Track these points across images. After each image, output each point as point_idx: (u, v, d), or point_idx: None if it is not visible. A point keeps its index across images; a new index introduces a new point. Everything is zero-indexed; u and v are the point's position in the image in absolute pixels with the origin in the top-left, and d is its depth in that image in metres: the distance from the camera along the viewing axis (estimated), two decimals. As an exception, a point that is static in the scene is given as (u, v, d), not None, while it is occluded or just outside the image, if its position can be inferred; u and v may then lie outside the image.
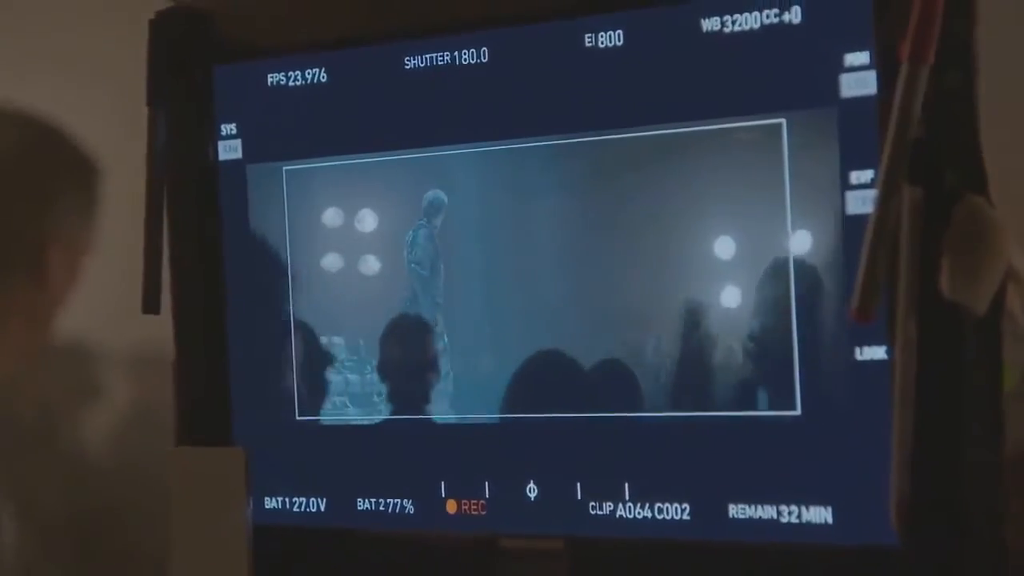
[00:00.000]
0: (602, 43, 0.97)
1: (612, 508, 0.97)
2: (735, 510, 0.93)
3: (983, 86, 0.85)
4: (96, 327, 2.31)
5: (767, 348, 0.92)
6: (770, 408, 0.92)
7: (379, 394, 1.06)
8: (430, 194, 1.02)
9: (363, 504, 1.06)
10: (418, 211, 1.03)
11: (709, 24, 0.93)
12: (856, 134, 0.89)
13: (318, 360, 1.07)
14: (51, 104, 1.81)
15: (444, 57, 1.02)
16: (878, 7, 0.88)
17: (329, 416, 1.07)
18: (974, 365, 0.84)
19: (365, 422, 1.06)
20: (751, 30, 0.92)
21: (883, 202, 0.80)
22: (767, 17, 0.92)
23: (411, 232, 1.03)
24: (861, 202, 0.89)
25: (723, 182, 0.93)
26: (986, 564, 0.85)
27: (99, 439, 2.45)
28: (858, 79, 0.89)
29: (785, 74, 0.91)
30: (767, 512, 0.92)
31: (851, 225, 0.88)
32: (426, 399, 1.04)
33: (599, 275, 0.97)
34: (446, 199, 1.01)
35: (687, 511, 0.95)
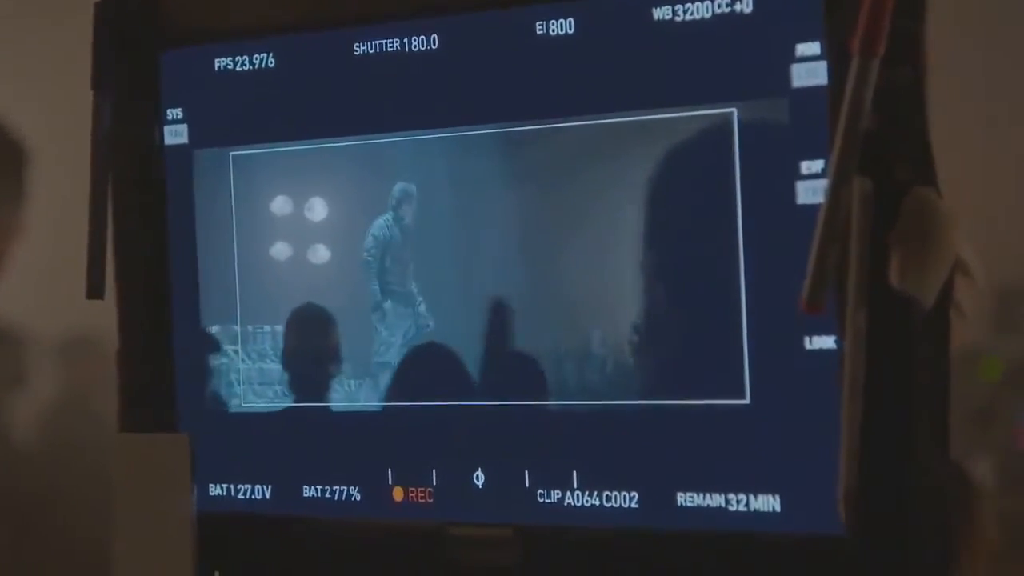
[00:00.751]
0: (553, 31, 0.96)
1: (560, 496, 0.97)
2: (683, 498, 0.94)
3: (932, 80, 0.86)
4: (25, 313, 2.30)
5: (716, 337, 0.92)
6: (719, 397, 0.92)
7: (325, 381, 1.05)
8: (398, 187, 1.01)
9: (309, 491, 1.05)
10: (370, 197, 1.02)
11: (660, 13, 0.94)
12: (807, 124, 0.89)
13: (263, 348, 1.07)
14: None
15: (394, 43, 1.01)
16: (829, -2, 0.88)
17: (274, 403, 1.06)
18: (923, 356, 0.85)
19: (310, 409, 1.05)
20: (702, 19, 0.92)
21: (834, 193, 0.80)
22: (718, 6, 0.92)
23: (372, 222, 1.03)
24: (811, 192, 0.89)
25: (673, 171, 0.93)
26: (931, 553, 0.86)
27: (28, 424, 2.43)
28: (809, 69, 0.89)
29: (736, 63, 0.91)
30: (715, 500, 0.93)
31: (801, 215, 0.89)
32: (373, 386, 1.03)
33: (549, 263, 0.97)
34: (415, 191, 1.01)
35: (636, 499, 0.95)
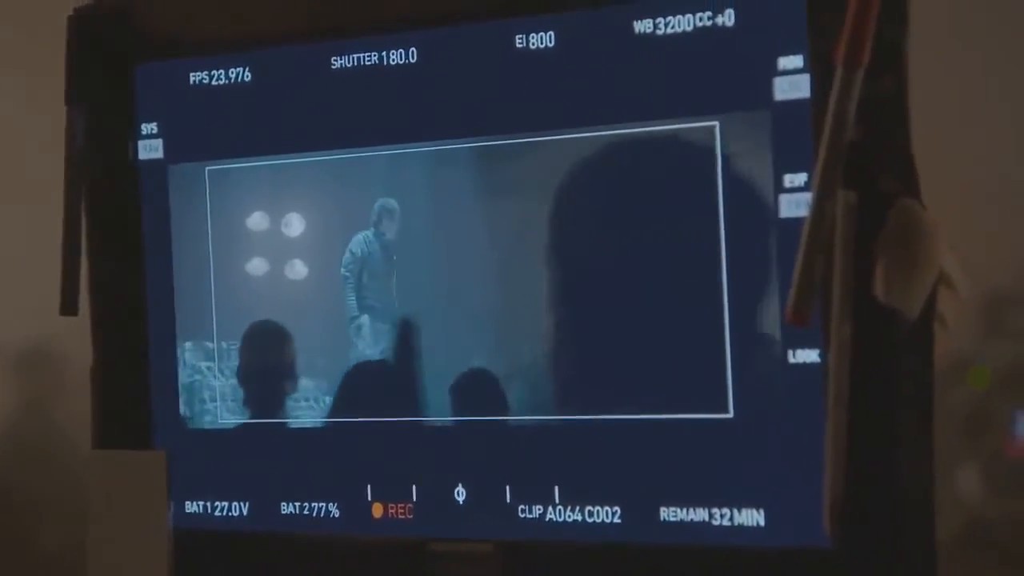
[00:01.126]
0: (533, 44, 0.96)
1: (542, 511, 0.97)
2: (667, 513, 0.93)
3: (912, 88, 0.86)
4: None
5: (700, 351, 0.92)
6: (703, 411, 0.92)
7: (300, 397, 1.04)
8: (379, 203, 1.01)
9: (287, 508, 1.04)
10: (348, 212, 1.02)
11: (642, 26, 0.93)
12: (789, 137, 0.89)
13: (239, 364, 1.06)
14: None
15: (372, 57, 1.01)
16: (812, 11, 0.88)
17: (252, 419, 1.06)
18: (907, 367, 0.85)
19: (290, 425, 1.05)
20: (684, 32, 0.92)
21: (818, 205, 0.80)
22: (700, 19, 0.92)
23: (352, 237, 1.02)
24: (795, 205, 0.89)
25: (655, 185, 0.93)
26: (917, 565, 0.86)
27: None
28: (791, 82, 0.89)
29: (718, 77, 0.91)
30: (699, 515, 0.92)
31: (784, 228, 0.89)
32: (351, 402, 1.03)
33: (531, 278, 0.96)
34: (396, 206, 1.00)
35: (618, 514, 0.95)
